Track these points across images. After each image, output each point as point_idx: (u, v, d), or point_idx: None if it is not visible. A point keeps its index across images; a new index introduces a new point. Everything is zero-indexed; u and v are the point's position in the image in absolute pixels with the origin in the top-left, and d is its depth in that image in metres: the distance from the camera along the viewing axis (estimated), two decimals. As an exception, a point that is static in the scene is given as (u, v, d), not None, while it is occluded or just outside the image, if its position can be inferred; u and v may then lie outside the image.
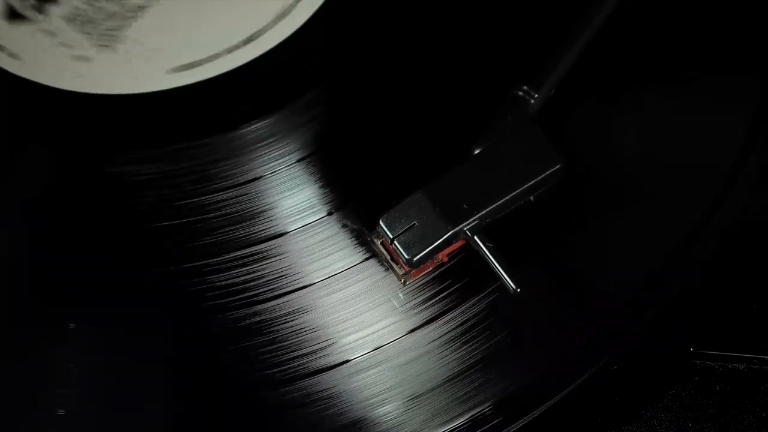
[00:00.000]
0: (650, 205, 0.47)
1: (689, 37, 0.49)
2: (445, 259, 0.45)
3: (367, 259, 0.46)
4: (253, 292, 0.45)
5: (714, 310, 0.48)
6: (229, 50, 0.50)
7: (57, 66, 0.50)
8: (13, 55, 0.49)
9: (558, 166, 0.44)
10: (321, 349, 0.45)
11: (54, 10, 0.50)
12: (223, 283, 0.46)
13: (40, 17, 0.50)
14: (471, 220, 0.44)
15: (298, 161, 0.47)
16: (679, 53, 0.49)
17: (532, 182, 0.44)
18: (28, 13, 0.50)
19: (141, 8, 0.50)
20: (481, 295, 0.45)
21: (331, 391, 0.44)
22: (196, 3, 0.51)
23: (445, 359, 0.45)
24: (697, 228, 0.46)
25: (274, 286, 0.45)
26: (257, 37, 0.50)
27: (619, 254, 0.46)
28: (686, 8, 0.50)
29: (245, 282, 0.46)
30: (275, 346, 0.45)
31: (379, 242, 0.45)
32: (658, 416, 0.47)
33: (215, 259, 0.46)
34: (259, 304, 0.45)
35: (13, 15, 0.50)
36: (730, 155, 0.47)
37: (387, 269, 0.45)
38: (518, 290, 0.43)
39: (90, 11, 0.49)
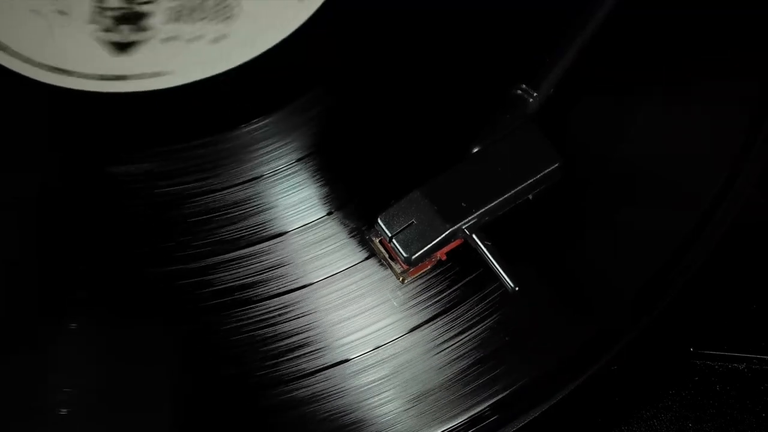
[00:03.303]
0: (650, 204, 0.47)
1: (689, 38, 0.49)
2: (444, 258, 0.45)
3: (367, 258, 0.46)
4: (253, 291, 0.45)
5: (714, 310, 0.48)
6: None
7: (203, 59, 0.50)
8: (161, 73, 0.49)
9: (556, 165, 0.44)
10: (320, 348, 0.45)
11: (154, 22, 0.50)
12: (222, 282, 0.46)
13: (148, 33, 0.50)
14: (469, 218, 0.44)
15: (298, 161, 0.47)
16: (679, 53, 0.49)
17: (530, 180, 0.44)
18: (133, 37, 0.50)
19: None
20: (480, 294, 0.45)
21: (330, 391, 0.44)
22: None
23: (444, 359, 0.45)
24: (697, 228, 0.46)
25: (273, 286, 0.45)
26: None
27: (619, 253, 0.46)
28: (686, 9, 0.50)
29: (245, 281, 0.46)
30: (275, 345, 0.45)
31: (377, 241, 0.45)
32: (658, 416, 0.46)
33: (215, 259, 0.46)
34: (259, 303, 0.45)
35: (121, 47, 0.50)
36: (729, 155, 0.47)
37: (386, 268, 0.45)
38: (516, 289, 0.43)
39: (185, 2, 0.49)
